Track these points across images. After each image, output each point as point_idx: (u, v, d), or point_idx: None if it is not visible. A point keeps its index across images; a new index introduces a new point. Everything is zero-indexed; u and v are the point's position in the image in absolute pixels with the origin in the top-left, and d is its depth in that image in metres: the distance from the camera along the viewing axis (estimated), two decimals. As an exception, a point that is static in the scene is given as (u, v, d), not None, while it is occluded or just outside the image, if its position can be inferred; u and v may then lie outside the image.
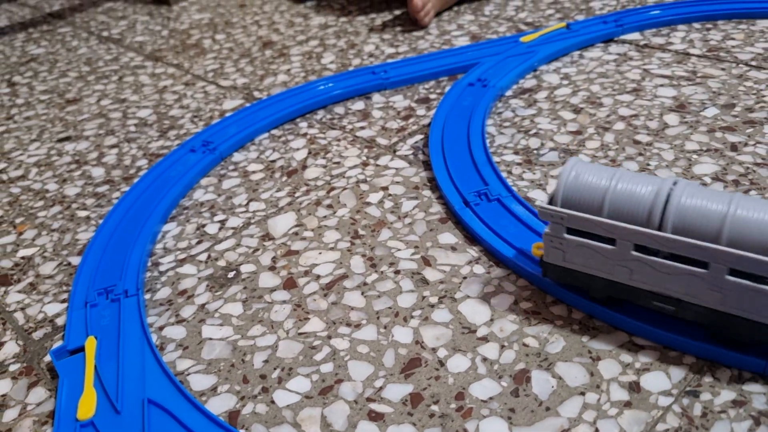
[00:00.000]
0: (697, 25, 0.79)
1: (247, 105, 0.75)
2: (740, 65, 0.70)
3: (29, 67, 0.93)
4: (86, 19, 1.11)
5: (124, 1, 1.17)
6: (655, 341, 0.40)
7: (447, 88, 0.71)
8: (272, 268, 0.50)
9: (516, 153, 0.60)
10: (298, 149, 0.65)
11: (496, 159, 0.59)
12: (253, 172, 0.63)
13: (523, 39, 0.78)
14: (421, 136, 0.65)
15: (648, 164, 0.56)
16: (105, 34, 1.03)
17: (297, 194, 0.59)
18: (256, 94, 0.78)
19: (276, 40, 0.92)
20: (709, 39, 0.76)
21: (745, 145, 0.57)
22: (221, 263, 0.52)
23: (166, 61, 0.90)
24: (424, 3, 0.86)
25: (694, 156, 0.56)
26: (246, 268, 0.51)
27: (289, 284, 0.49)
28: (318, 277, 0.49)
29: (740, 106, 0.63)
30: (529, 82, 0.72)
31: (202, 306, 0.48)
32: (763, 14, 0.79)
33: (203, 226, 0.56)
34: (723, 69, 0.69)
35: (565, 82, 0.71)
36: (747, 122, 0.60)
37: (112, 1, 1.18)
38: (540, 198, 0.54)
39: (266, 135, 0.69)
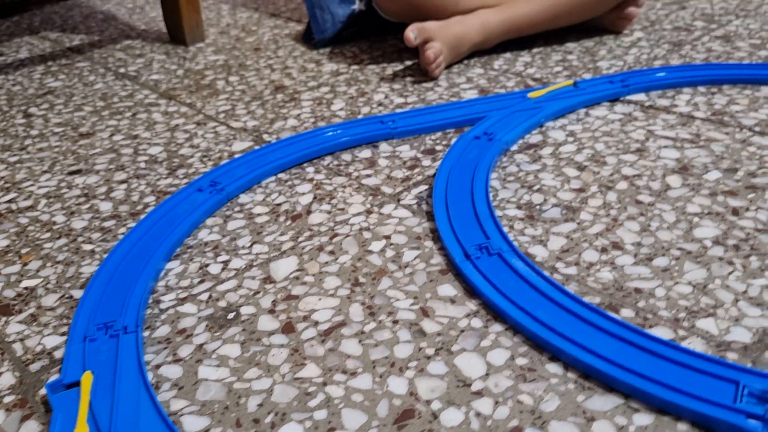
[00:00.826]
0: (702, 89, 0.81)
1: (256, 147, 0.76)
2: (744, 130, 0.71)
3: (46, 99, 0.95)
4: (104, 54, 1.13)
5: (142, 39, 1.19)
6: (651, 404, 0.40)
7: (453, 140, 0.72)
8: (272, 312, 0.51)
9: (519, 208, 0.61)
10: (303, 194, 0.66)
11: (498, 213, 0.60)
12: (258, 214, 0.64)
13: (531, 95, 0.79)
14: (426, 187, 0.65)
15: (649, 225, 0.57)
16: (122, 70, 1.05)
17: (300, 239, 0.59)
18: (266, 137, 0.79)
19: (288, 85, 0.93)
20: (714, 103, 0.77)
21: (747, 210, 0.58)
22: (222, 304, 0.52)
23: (180, 100, 0.92)
24: (436, 55, 0.88)
25: (696, 219, 0.57)
26: (246, 310, 0.51)
27: (288, 328, 0.49)
28: (316, 323, 0.49)
29: (743, 171, 0.63)
30: (534, 138, 0.73)
31: (200, 346, 0.48)
32: (767, 81, 0.80)
33: (206, 265, 0.57)
34: (727, 133, 0.70)
35: (571, 139, 0.72)
36: (749, 187, 0.61)
37: (131, 39, 1.20)
38: (541, 254, 0.54)
39: (273, 178, 0.70)
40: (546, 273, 0.52)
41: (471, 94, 0.84)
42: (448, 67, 0.94)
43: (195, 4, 1.12)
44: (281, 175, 0.70)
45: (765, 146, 0.67)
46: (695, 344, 0.44)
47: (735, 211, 0.58)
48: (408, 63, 0.96)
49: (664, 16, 1.07)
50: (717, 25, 1.01)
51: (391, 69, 0.95)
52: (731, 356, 0.43)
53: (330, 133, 0.75)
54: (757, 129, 0.71)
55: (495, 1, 0.95)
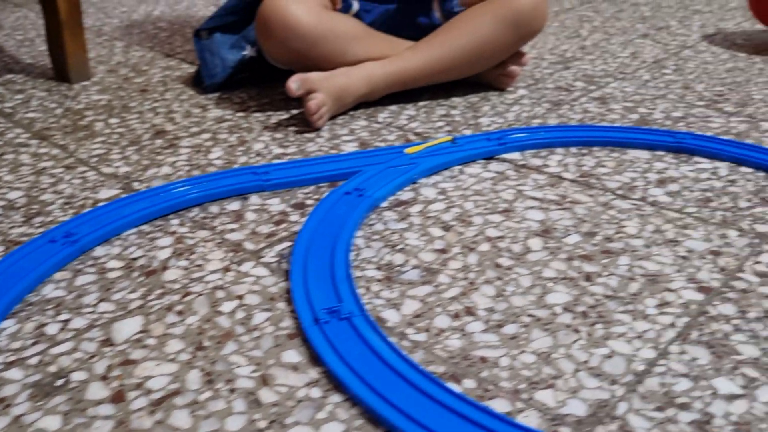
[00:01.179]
0: (573, 150, 0.83)
1: (123, 196, 0.73)
2: (607, 193, 0.73)
3: None
4: (-18, 89, 1.08)
5: (26, 74, 1.14)
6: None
7: (325, 195, 0.72)
8: (104, 378, 0.48)
9: (378, 269, 0.60)
10: (163, 248, 0.64)
11: (357, 273, 0.59)
12: (111, 269, 0.61)
13: (408, 150, 0.80)
14: (289, 244, 0.64)
15: (504, 289, 0.57)
16: (-3, 106, 1.00)
17: (150, 297, 0.57)
18: (136, 185, 0.76)
19: (169, 130, 0.91)
20: (583, 164, 0.79)
21: (599, 275, 0.59)
22: (52, 369, 0.49)
23: (52, 141, 0.88)
24: (318, 106, 0.87)
25: (550, 284, 0.57)
26: (77, 376, 0.48)
27: (118, 397, 0.46)
28: (149, 391, 0.47)
29: (601, 235, 0.65)
30: (406, 195, 0.73)
31: (17, 418, 0.44)
32: (635, 144, 0.83)
33: (43, 325, 0.53)
34: (591, 195, 0.72)
35: (441, 197, 0.72)
36: (604, 252, 0.62)
37: (14, 73, 1.15)
38: (393, 319, 0.53)
39: (135, 230, 0.67)
40: (393, 340, 0.51)
41: (351, 147, 0.84)
42: (333, 117, 0.93)
43: (80, 41, 1.09)
44: (144, 227, 0.67)
45: (625, 210, 0.69)
46: (531, 417, 0.44)
47: (588, 277, 0.58)
48: (294, 112, 0.96)
49: (548, 75, 1.10)
50: (596, 86, 1.05)
51: (275, 118, 0.94)
52: (563, 431, 0.43)
53: (201, 184, 0.73)
54: (619, 192, 0.73)
55: (382, 54, 0.95)
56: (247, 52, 1.03)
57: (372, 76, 0.93)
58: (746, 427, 0.43)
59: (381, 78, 0.94)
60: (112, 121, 0.94)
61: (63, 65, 1.10)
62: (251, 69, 1.04)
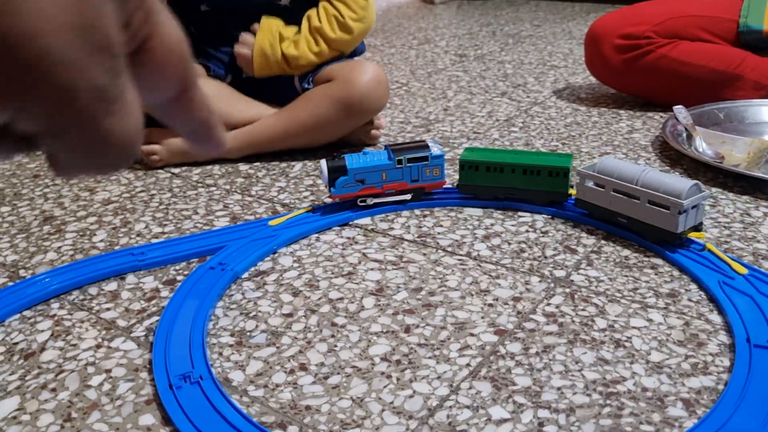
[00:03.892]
0: (417, 212, 0.95)
1: (9, 284, 0.81)
2: (439, 251, 0.85)
3: None
4: None
5: None
6: None
7: (193, 270, 0.81)
8: (-17, 454, 0.56)
9: (232, 335, 0.70)
10: (42, 331, 0.72)
11: (213, 341, 0.69)
12: (-6, 354, 0.69)
13: (272, 222, 0.90)
14: (158, 318, 0.73)
15: (336, 345, 0.68)
16: None
17: (28, 377, 0.65)
18: (22, 272, 0.84)
19: (57, 215, 0.99)
20: (423, 225, 0.92)
21: (417, 326, 0.70)
22: (-63, 450, 0.57)
23: (-54, 234, 0.95)
24: (148, 153, 1.10)
25: (374, 337, 0.69)
26: (-41, 454, 0.56)
27: (-6, 469, 0.54)
28: (21, 461, 0.55)
29: (426, 290, 0.77)
30: (265, 265, 0.83)
31: None
32: (470, 204, 0.96)
33: (-70, 411, 0.61)
34: (425, 254, 0.84)
35: (296, 265, 0.83)
36: (426, 305, 0.74)
37: None
38: (238, 379, 0.63)
39: (18, 316, 0.75)
40: (235, 398, 0.61)
41: (224, 222, 0.94)
42: (213, 186, 1.03)
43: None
44: (26, 313, 0.76)
45: (450, 265, 0.82)
46: (339, 452, 0.55)
47: (407, 329, 0.70)
48: (176, 190, 1.05)
49: (409, 139, 1.24)
50: (449, 148, 1.18)
51: (158, 197, 1.03)
52: (361, 461, 0.54)
53: (81, 268, 0.82)
54: (449, 249, 0.85)
55: (243, 118, 1.13)
56: None
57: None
58: (506, 445, 0.55)
59: (234, 142, 1.12)
60: (3, 209, 1.02)
61: (-43, 156, 1.17)
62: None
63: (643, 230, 0.82)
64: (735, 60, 1.30)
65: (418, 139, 1.23)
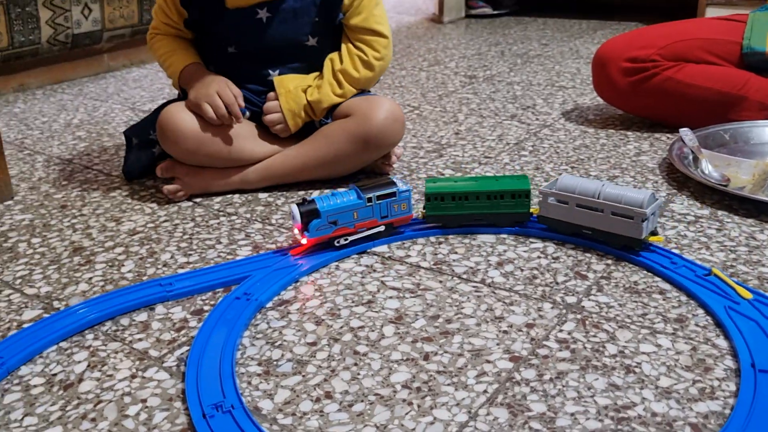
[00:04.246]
0: (432, 239, 0.99)
1: (45, 316, 0.85)
2: (454, 278, 0.88)
3: None
4: None
5: (-48, 197, 1.25)
6: None
7: (219, 300, 0.85)
8: (31, 482, 0.60)
9: (259, 364, 0.73)
10: (79, 362, 0.76)
11: (241, 370, 0.73)
12: (35, 386, 0.73)
13: (293, 252, 0.94)
14: (188, 348, 0.77)
15: (359, 373, 0.71)
16: (-73, 233, 1.11)
17: (68, 408, 0.69)
18: (56, 303, 0.88)
19: (86, 246, 1.03)
20: (438, 252, 0.95)
21: (435, 354, 0.74)
22: (-13, 479, 0.60)
23: (-20, 266, 0.99)
24: (173, 192, 1.14)
25: (395, 365, 0.72)
26: (8, 483, 0.60)
27: (42, 497, 0.58)
28: (67, 489, 0.59)
29: (443, 318, 0.80)
30: (288, 294, 0.87)
31: None
32: (483, 231, 0.99)
33: (-22, 441, 0.65)
34: (441, 281, 0.88)
35: (318, 293, 0.87)
36: (443, 333, 0.77)
37: (-59, 196, 1.26)
38: (267, 408, 0.67)
39: (55, 348, 0.79)
40: (265, 426, 0.64)
41: (246, 251, 0.98)
42: (233, 215, 1.07)
43: (2, 164, 1.21)
44: (63, 344, 0.80)
45: (465, 292, 0.85)
46: (365, 478, 0.58)
47: (426, 356, 0.73)
48: (198, 219, 1.09)
49: (422, 164, 1.27)
50: (461, 173, 1.22)
51: (181, 226, 1.07)
52: (387, 487, 0.57)
53: (113, 299, 0.86)
54: (464, 276, 0.89)
55: (263, 154, 1.18)
56: (156, 149, 1.23)
57: (245, 174, 1.18)
58: (523, 470, 0.58)
59: (253, 174, 1.17)
60: (34, 240, 1.06)
61: (-13, 188, 1.21)
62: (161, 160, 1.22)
63: (607, 239, 0.91)
64: (739, 81, 1.33)
65: (430, 164, 1.27)
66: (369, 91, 1.24)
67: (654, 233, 0.91)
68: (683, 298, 0.82)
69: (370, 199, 0.94)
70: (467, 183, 0.98)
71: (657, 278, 0.86)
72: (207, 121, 1.12)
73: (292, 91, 1.16)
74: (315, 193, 1.16)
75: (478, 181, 0.99)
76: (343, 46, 1.18)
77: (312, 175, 1.18)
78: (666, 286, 0.84)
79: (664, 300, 0.81)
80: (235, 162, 1.15)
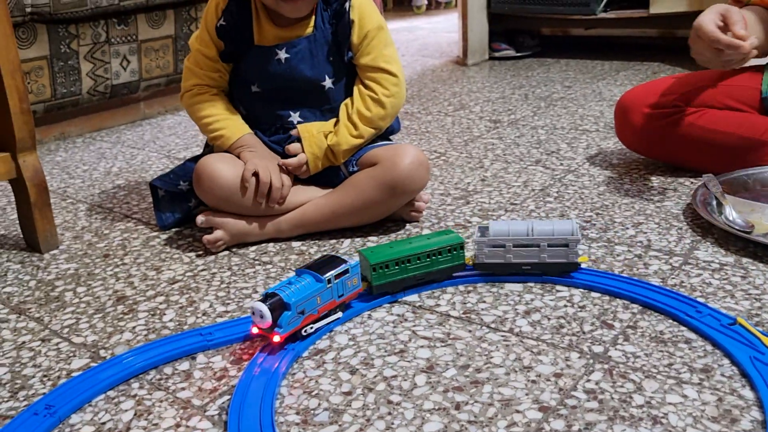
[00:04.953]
0: (461, 288, 1.02)
1: (93, 365, 0.89)
2: (483, 327, 0.91)
3: None
4: (-38, 264, 1.24)
5: (0, 246, 1.31)
6: None
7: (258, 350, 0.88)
8: None
9: (297, 413, 0.77)
10: (126, 410, 0.80)
11: (281, 419, 0.76)
12: (85, 434, 0.76)
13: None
14: (229, 396, 0.80)
15: (392, 423, 0.74)
16: (-23, 282, 1.16)
17: (117, 456, 0.72)
18: (102, 352, 0.92)
19: (129, 295, 1.08)
20: (467, 302, 0.98)
21: (466, 403, 0.76)
22: None
23: (29, 314, 1.04)
24: (213, 241, 1.19)
25: (428, 415, 0.75)
26: None
27: None
28: None
29: (472, 367, 0.83)
30: (323, 343, 0.90)
31: None
32: (509, 279, 1.02)
33: (34, 489, 0.69)
34: (470, 331, 0.91)
35: (351, 343, 0.90)
36: (473, 382, 0.80)
37: (-10, 245, 1.32)
38: (305, 457, 0.70)
39: (103, 396, 0.83)
40: (304, 475, 0.67)
41: (281, 300, 1.02)
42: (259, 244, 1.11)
43: (49, 215, 1.27)
44: (110, 393, 0.84)
45: (494, 342, 0.88)
46: None
47: (457, 406, 0.76)
48: (234, 268, 1.14)
49: (450, 211, 1.31)
50: (488, 219, 1.25)
51: (219, 275, 1.12)
52: None
53: (157, 348, 0.90)
54: (492, 326, 0.91)
55: (294, 202, 1.22)
56: (192, 203, 1.31)
57: (279, 221, 1.22)
58: None
59: (286, 223, 1.22)
60: (80, 290, 1.11)
61: (33, 238, 1.27)
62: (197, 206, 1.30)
63: (546, 269, 1.01)
64: (761, 127, 1.35)
65: (457, 212, 1.30)
66: (391, 140, 1.29)
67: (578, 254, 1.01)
68: (709, 347, 0.84)
69: (329, 280, 0.91)
70: (404, 245, 1.01)
71: (683, 327, 0.88)
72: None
73: (315, 135, 1.22)
74: (345, 243, 1.20)
75: (412, 242, 1.02)
76: (355, 89, 1.25)
77: (342, 223, 1.22)
78: (691, 335, 0.86)
79: (689, 350, 0.83)
80: (267, 211, 1.20)
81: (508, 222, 1.02)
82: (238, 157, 1.22)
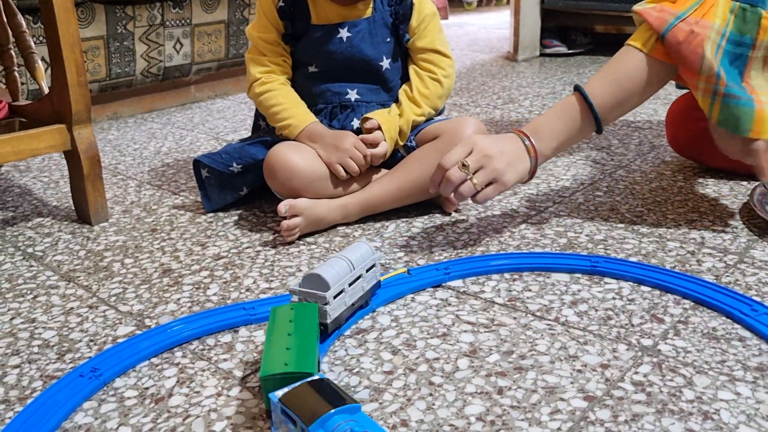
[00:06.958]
0: (507, 276, 1.00)
1: (138, 332, 0.90)
2: (528, 315, 0.90)
3: (-45, 283, 1.08)
4: (16, 233, 1.27)
5: (52, 217, 1.34)
6: None
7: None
8: (125, 488, 0.64)
9: (338, 389, 0.76)
10: (169, 377, 0.80)
11: (321, 394, 0.75)
12: (128, 398, 0.77)
13: (370, 282, 0.97)
14: (270, 370, 0.80)
15: (433, 404, 0.73)
16: (30, 250, 1.19)
17: (159, 420, 0.73)
18: (147, 321, 0.93)
19: (174, 268, 1.09)
20: (512, 289, 0.96)
21: (509, 389, 0.75)
22: (85, 482, 0.65)
23: (78, 282, 1.06)
24: (293, 227, 1.14)
25: (469, 398, 0.74)
26: (104, 488, 0.64)
27: (135, 503, 0.62)
28: (159, 497, 0.62)
29: (516, 354, 0.81)
30: (366, 323, 0.90)
31: None
32: (557, 269, 1.00)
33: (77, 447, 0.70)
34: (515, 318, 0.89)
35: (394, 324, 0.89)
36: (517, 368, 0.78)
37: (42, 216, 1.35)
38: None
39: (147, 363, 0.84)
40: (343, 449, 0.67)
41: (325, 280, 1.02)
42: (311, 236, 1.11)
43: (100, 190, 1.29)
44: (154, 360, 0.84)
45: (539, 330, 0.86)
46: (440, 506, 0.60)
47: (500, 391, 0.75)
48: (279, 247, 1.14)
49: (497, 201, 1.29)
50: (536, 211, 1.23)
51: (263, 254, 1.12)
52: None
53: (201, 320, 0.91)
54: (538, 314, 0.90)
55: (359, 187, 1.22)
56: (244, 192, 1.29)
57: (346, 206, 1.20)
58: None
59: (354, 207, 1.20)
60: (127, 261, 1.13)
61: (85, 210, 1.29)
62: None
63: (366, 298, 0.91)
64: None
65: (504, 201, 1.28)
66: (447, 116, 1.29)
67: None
68: (764, 346, 0.81)
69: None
70: (286, 342, 0.75)
71: (737, 325, 0.85)
72: (316, 161, 1.18)
73: (390, 120, 1.22)
74: (390, 226, 1.19)
75: (290, 335, 0.75)
76: (411, 71, 1.27)
77: (408, 200, 1.22)
78: (746, 333, 0.83)
79: (743, 347, 0.80)
80: (338, 195, 1.21)
81: (327, 267, 0.85)
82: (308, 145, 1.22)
